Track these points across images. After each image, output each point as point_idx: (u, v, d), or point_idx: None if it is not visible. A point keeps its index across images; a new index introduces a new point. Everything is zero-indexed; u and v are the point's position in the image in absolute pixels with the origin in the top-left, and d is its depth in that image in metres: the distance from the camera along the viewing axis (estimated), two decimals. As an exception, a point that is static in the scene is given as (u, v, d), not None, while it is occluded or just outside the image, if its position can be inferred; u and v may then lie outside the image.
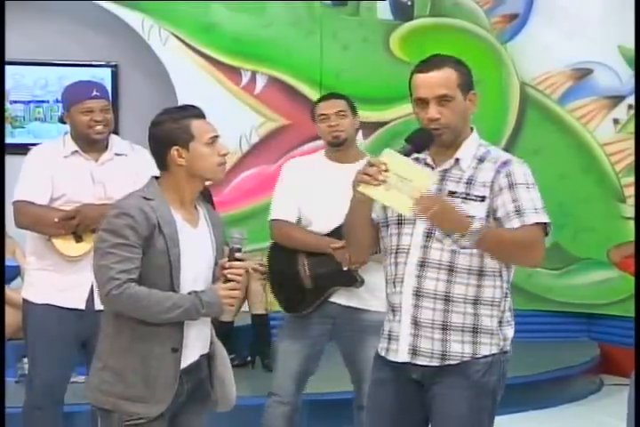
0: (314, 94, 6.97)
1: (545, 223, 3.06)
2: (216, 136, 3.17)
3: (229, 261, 3.17)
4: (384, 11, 7.62)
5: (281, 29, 7.50)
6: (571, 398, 6.54)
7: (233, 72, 7.48)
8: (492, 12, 7.65)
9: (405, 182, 2.91)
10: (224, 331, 6.27)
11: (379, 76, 7.34)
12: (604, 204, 7.43)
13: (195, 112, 3.18)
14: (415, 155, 3.11)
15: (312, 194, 4.28)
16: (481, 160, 3.11)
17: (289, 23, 7.52)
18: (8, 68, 7.31)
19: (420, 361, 3.09)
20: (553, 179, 7.48)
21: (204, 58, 7.44)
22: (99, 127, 4.20)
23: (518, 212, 3.02)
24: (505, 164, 3.09)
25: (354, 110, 4.37)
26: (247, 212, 7.08)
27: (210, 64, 7.46)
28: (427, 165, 3.14)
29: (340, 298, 4.29)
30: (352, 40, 7.54)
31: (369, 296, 4.23)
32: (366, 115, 7.41)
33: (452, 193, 3.06)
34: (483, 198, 3.04)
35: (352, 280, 4.21)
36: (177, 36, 7.40)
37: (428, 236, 3.07)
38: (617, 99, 7.40)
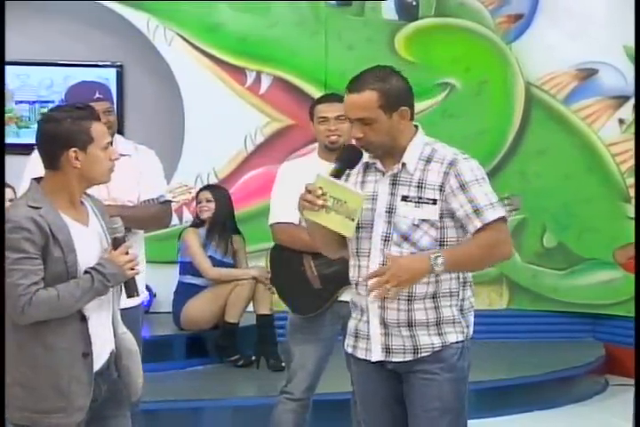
0: (319, 94, 6.97)
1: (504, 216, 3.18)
2: (111, 141, 3.13)
3: (114, 250, 3.10)
4: (389, 11, 7.61)
5: (286, 29, 7.50)
6: (575, 398, 6.52)
7: (238, 72, 7.49)
8: (497, 13, 7.64)
9: (341, 204, 3.09)
10: (229, 331, 6.30)
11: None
12: (609, 204, 7.42)
13: (94, 114, 3.11)
14: (366, 159, 3.25)
15: None
16: (428, 161, 3.18)
17: (294, 23, 7.53)
18: (14, 69, 7.35)
19: (395, 358, 3.20)
20: (558, 179, 7.49)
21: (208, 58, 7.45)
22: None
23: (477, 211, 3.12)
24: (451, 164, 3.14)
25: None
26: (252, 212, 7.08)
27: (215, 64, 7.46)
28: (377, 169, 3.23)
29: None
30: (357, 40, 7.54)
31: None
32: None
33: (404, 197, 3.16)
34: (434, 201, 3.14)
35: None
36: (182, 37, 7.41)
37: (386, 240, 3.17)
38: (622, 99, 7.38)
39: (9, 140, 7.35)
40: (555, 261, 7.59)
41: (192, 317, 6.39)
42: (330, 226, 3.15)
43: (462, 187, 3.12)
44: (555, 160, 7.50)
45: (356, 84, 3.17)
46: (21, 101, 7.51)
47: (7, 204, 5.55)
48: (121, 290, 3.19)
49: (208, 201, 6.55)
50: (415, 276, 3.08)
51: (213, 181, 7.35)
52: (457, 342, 3.19)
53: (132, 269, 3.10)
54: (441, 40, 7.53)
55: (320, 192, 3.09)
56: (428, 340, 3.17)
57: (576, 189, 7.45)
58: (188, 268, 6.51)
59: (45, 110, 7.46)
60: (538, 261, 7.58)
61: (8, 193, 5.87)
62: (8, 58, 7.25)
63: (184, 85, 7.39)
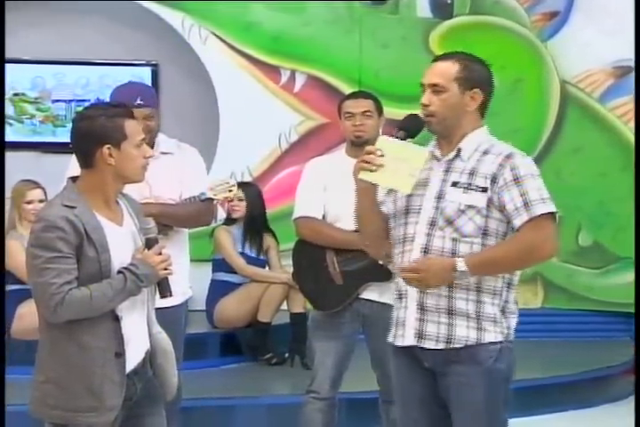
0: (353, 93, 6.99)
1: (553, 212, 3.17)
2: (144, 138, 3.14)
3: (147, 250, 3.11)
4: (423, 9, 7.60)
5: (320, 28, 7.51)
6: (611, 398, 6.48)
7: (272, 71, 7.50)
8: (533, 10, 7.61)
9: (401, 162, 3.10)
10: (261, 331, 6.31)
11: (418, 74, 7.23)
12: (645, 202, 7.37)
13: (128, 111, 3.12)
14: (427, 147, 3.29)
15: (338, 191, 4.27)
16: (484, 153, 3.21)
17: (328, 22, 7.53)
18: (50, 68, 7.45)
19: (426, 344, 3.18)
20: (593, 177, 7.45)
21: (243, 57, 7.47)
22: None
23: (526, 204, 3.13)
24: (508, 157, 3.18)
25: (380, 110, 4.39)
26: (286, 210, 7.05)
27: (249, 63, 7.48)
28: (434, 156, 3.26)
29: (372, 294, 4.28)
30: (391, 38, 7.53)
31: None
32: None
33: (454, 183, 3.18)
34: (484, 189, 3.15)
35: (386, 275, 4.16)
36: (217, 35, 7.43)
37: (432, 224, 3.18)
38: (659, 97, 7.33)
39: (46, 138, 7.46)
40: (590, 260, 7.55)
41: (226, 315, 6.41)
42: (385, 184, 3.19)
43: (516, 180, 3.14)
44: (590, 158, 7.46)
45: (445, 54, 3.32)
46: (58, 100, 7.56)
47: (40, 205, 5.66)
48: (155, 290, 3.19)
49: (239, 200, 6.49)
50: (437, 281, 3.11)
51: (247, 179, 7.36)
52: (494, 343, 3.15)
53: (166, 269, 3.11)
54: (476, 38, 7.50)
55: (380, 153, 3.12)
56: (465, 332, 3.14)
57: (611, 187, 7.41)
58: (220, 265, 6.53)
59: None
60: (573, 259, 7.55)
61: (39, 194, 5.95)
62: (45, 57, 7.39)
63: (219, 84, 7.41)
